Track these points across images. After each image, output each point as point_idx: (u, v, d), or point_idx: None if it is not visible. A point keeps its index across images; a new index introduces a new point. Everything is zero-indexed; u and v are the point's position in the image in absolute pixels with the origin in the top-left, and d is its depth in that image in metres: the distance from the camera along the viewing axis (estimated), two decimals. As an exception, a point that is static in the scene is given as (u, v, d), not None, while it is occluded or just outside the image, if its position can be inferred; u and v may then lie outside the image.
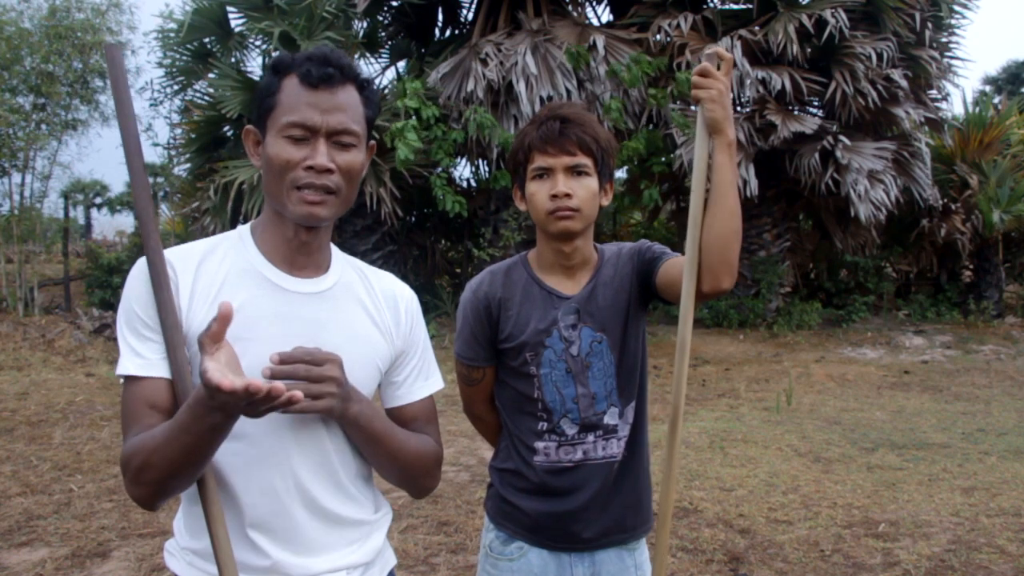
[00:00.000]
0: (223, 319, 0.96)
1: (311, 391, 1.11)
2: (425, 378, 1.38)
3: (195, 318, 1.16)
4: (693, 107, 10.38)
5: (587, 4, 12.40)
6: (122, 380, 1.15)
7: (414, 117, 9.20)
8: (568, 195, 1.50)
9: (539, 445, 1.59)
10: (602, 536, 1.60)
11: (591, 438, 1.58)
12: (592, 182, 1.53)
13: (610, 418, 1.59)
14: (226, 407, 0.99)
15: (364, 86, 1.22)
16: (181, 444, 1.04)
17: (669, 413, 1.52)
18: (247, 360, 1.14)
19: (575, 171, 1.51)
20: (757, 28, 9.98)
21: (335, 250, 1.32)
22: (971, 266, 13.02)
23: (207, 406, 0.99)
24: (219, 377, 0.92)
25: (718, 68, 1.45)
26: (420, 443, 1.32)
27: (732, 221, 1.43)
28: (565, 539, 1.60)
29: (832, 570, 3.36)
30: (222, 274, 1.20)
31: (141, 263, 1.17)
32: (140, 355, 1.14)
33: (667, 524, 1.54)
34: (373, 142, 1.29)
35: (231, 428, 1.06)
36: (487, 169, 10.84)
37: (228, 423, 1.04)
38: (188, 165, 11.11)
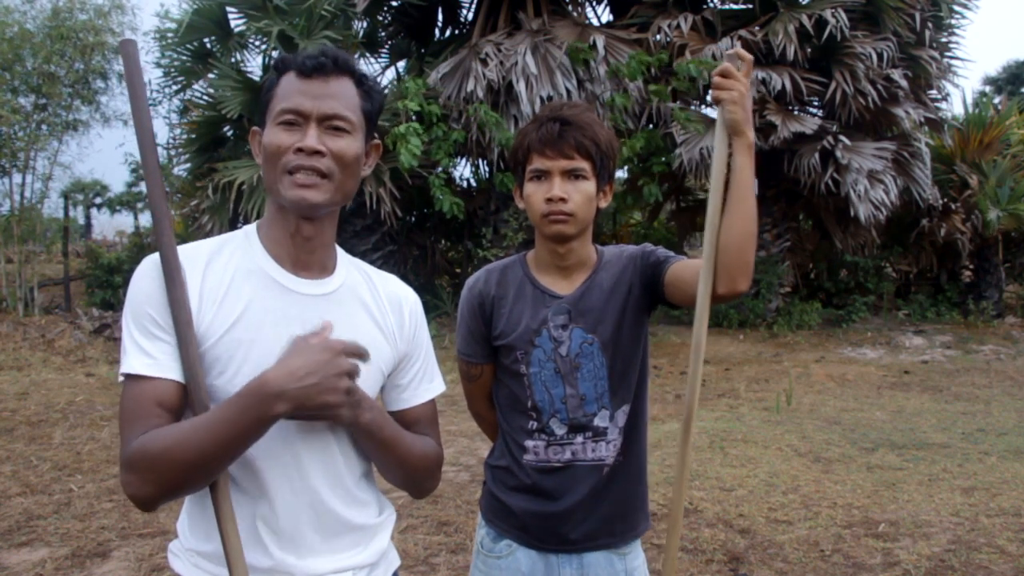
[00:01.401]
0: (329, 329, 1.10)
1: None
2: (429, 381, 1.38)
3: (204, 318, 1.15)
4: (692, 106, 10.41)
5: (587, 4, 12.40)
6: (122, 378, 1.14)
7: (415, 120, 9.18)
8: (563, 199, 1.50)
9: (529, 444, 1.60)
10: (589, 539, 1.60)
11: (580, 439, 1.58)
12: (589, 186, 1.52)
13: (600, 420, 1.58)
14: (301, 396, 1.06)
15: (362, 80, 1.23)
16: (218, 436, 1.05)
17: (683, 413, 1.52)
18: (252, 361, 1.15)
19: (572, 175, 1.51)
20: (757, 28, 9.98)
21: (340, 252, 1.32)
22: (971, 266, 13.03)
23: (270, 397, 1.04)
24: None
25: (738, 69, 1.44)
26: (424, 446, 1.33)
27: (750, 223, 1.43)
28: (552, 540, 1.60)
29: (832, 570, 3.36)
30: (229, 274, 1.19)
31: (149, 261, 1.17)
32: (149, 355, 1.12)
33: (678, 525, 1.54)
34: (377, 142, 1.30)
35: (271, 426, 1.09)
36: (487, 169, 10.85)
37: (274, 421, 1.08)
38: (188, 165, 11.11)
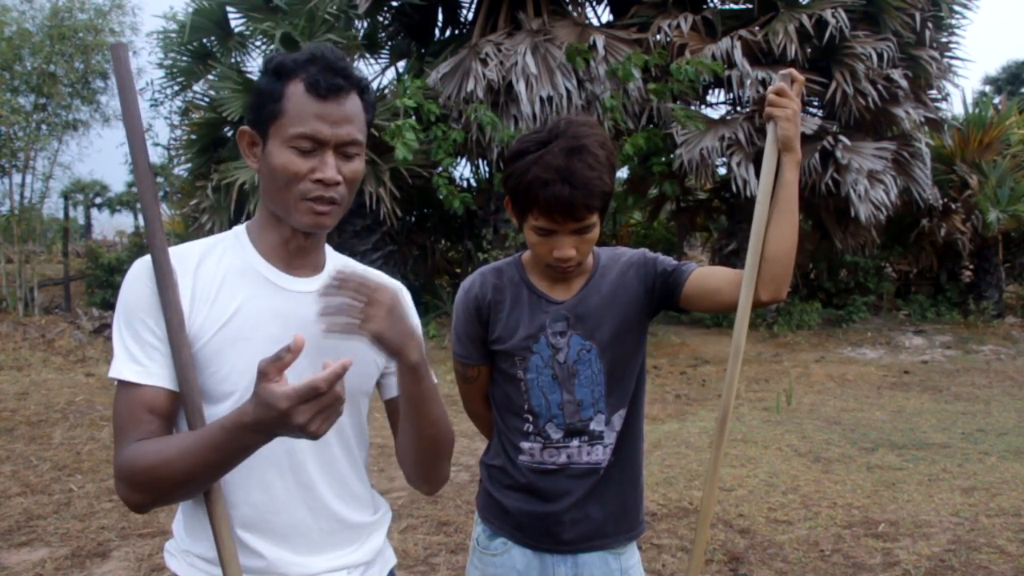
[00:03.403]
0: (297, 351, 0.96)
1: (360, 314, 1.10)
2: None
3: (196, 319, 1.15)
4: (692, 106, 10.42)
5: (587, 4, 12.40)
6: (116, 382, 1.14)
7: (413, 117, 9.19)
8: (572, 256, 1.49)
9: (525, 445, 1.60)
10: (583, 540, 1.60)
11: (576, 443, 1.58)
12: (596, 231, 1.50)
13: (596, 425, 1.59)
14: (275, 431, 0.99)
15: (365, 89, 1.22)
16: (205, 460, 1.04)
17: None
18: (247, 360, 1.14)
19: (581, 230, 1.47)
20: (757, 28, 9.98)
21: (328, 249, 1.33)
22: (971, 266, 13.02)
23: (250, 428, 0.99)
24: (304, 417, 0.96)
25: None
26: (446, 417, 1.29)
27: (795, 234, 1.50)
28: (546, 540, 1.60)
29: (832, 570, 3.36)
30: (220, 274, 1.19)
31: (140, 264, 1.16)
32: (139, 362, 1.13)
33: (706, 526, 1.57)
34: None
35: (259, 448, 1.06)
36: (487, 169, 10.85)
37: (263, 443, 1.03)
38: (188, 165, 11.13)
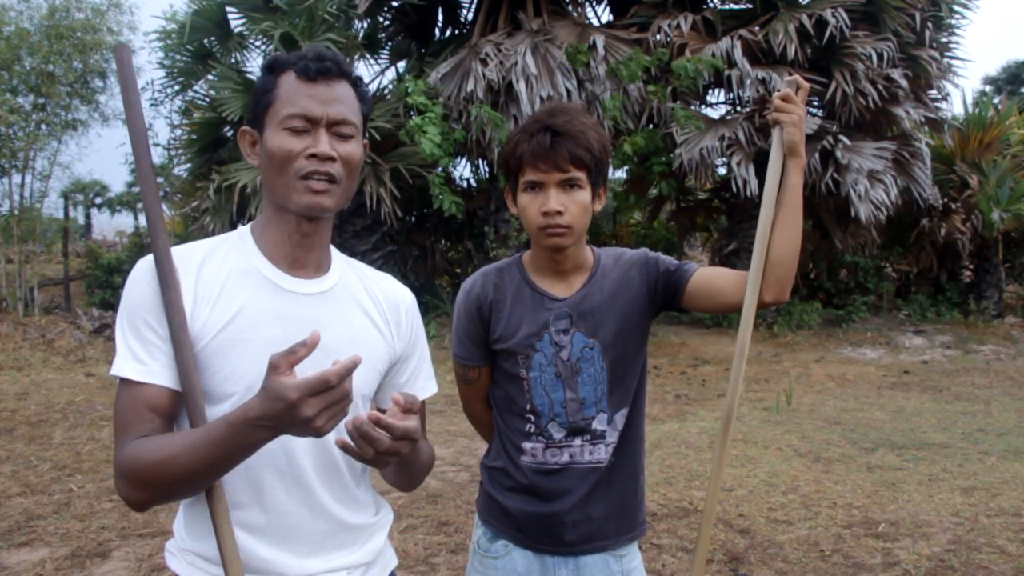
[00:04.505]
0: (312, 346, 0.96)
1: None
2: (426, 379, 1.40)
3: (198, 320, 1.15)
4: (692, 106, 10.41)
5: (587, 4, 12.40)
6: (117, 380, 1.14)
7: (432, 112, 9.18)
8: (560, 212, 1.48)
9: (526, 446, 1.60)
10: (585, 541, 1.60)
11: (578, 442, 1.58)
12: (585, 195, 1.51)
13: (598, 423, 1.59)
14: (281, 425, 0.98)
15: (357, 83, 1.24)
16: (209, 456, 1.03)
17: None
18: (247, 361, 1.15)
19: (567, 185, 1.49)
20: (757, 28, 9.98)
21: (335, 251, 1.32)
22: (971, 266, 13.02)
23: (255, 423, 0.99)
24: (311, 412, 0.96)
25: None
26: (429, 451, 1.35)
27: (799, 237, 1.54)
28: (547, 541, 1.60)
29: (832, 570, 3.36)
30: (223, 275, 1.19)
31: (144, 264, 1.16)
32: (141, 360, 1.13)
33: (709, 526, 1.58)
34: (366, 140, 1.30)
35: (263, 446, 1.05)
36: (487, 169, 10.84)
37: (267, 440, 1.03)
38: (188, 165, 11.12)
